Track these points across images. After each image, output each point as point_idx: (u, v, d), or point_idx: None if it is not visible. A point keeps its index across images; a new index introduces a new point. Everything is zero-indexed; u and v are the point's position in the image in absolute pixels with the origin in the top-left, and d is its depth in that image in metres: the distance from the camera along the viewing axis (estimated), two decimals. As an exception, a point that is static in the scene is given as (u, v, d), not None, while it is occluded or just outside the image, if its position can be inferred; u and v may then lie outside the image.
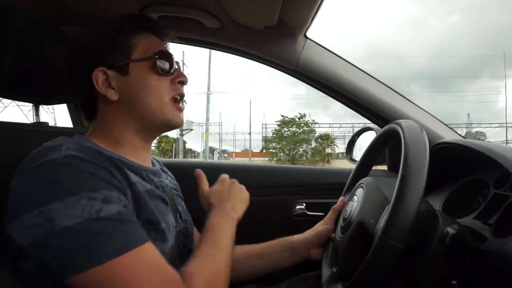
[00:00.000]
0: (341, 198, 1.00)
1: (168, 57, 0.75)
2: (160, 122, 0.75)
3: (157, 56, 0.73)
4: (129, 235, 0.57)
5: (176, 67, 0.77)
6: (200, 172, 0.86)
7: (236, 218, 0.78)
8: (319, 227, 0.98)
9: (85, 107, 0.77)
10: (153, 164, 0.82)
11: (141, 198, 0.66)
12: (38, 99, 0.94)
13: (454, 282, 0.65)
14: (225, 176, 0.88)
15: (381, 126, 1.13)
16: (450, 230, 0.64)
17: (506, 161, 0.72)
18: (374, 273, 0.60)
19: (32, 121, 0.96)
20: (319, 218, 1.01)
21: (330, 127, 34.56)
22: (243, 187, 0.87)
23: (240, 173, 1.42)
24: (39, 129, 0.89)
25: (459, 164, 0.95)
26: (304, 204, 1.30)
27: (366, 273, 0.61)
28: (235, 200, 0.81)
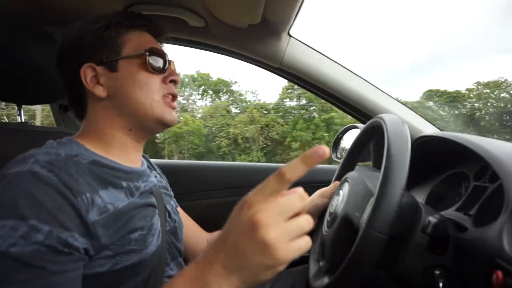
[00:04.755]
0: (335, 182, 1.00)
1: (160, 54, 0.73)
2: (151, 120, 0.72)
3: (147, 53, 0.71)
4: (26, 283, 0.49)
5: (169, 65, 0.75)
6: None
7: None
8: (316, 199, 0.97)
9: (75, 106, 0.75)
10: (142, 163, 0.80)
11: (114, 216, 0.62)
12: (20, 99, 0.93)
13: (437, 272, 0.66)
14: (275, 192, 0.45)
15: (365, 123, 1.15)
16: (432, 219, 0.66)
17: (485, 152, 0.74)
18: (360, 264, 0.61)
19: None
20: None
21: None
22: (307, 224, 0.46)
23: (225, 172, 1.43)
24: (25, 129, 0.88)
25: (441, 158, 0.97)
26: None
27: (351, 265, 0.62)
28: (256, 263, 0.44)
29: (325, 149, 0.44)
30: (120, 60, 0.71)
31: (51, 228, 0.52)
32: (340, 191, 0.86)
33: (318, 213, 0.96)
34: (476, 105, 27.58)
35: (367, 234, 0.59)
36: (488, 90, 27.77)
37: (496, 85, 27.89)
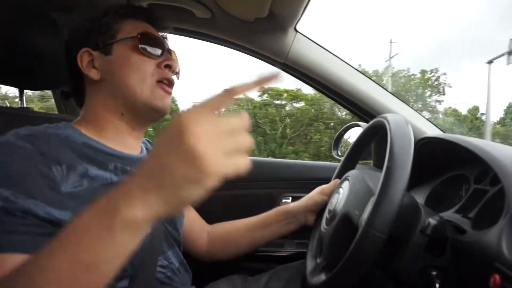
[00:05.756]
0: (335, 180, 1.00)
1: (153, 39, 0.74)
2: (141, 104, 0.72)
3: (139, 36, 0.72)
4: None
5: (165, 52, 0.76)
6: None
7: (143, 227, 0.40)
8: (316, 196, 0.98)
9: (76, 92, 0.78)
10: (141, 151, 0.80)
11: (90, 192, 0.61)
12: (23, 84, 0.92)
13: (434, 273, 0.66)
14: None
15: (368, 122, 1.14)
16: (432, 220, 0.66)
17: (487, 155, 0.73)
18: (358, 263, 0.61)
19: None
20: None
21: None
22: (246, 142, 0.40)
23: None
24: (25, 114, 0.88)
25: (442, 159, 0.97)
26: (290, 198, 1.30)
27: (349, 263, 0.62)
28: (186, 181, 0.37)
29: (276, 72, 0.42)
30: (114, 44, 0.73)
31: (11, 193, 0.52)
32: (340, 189, 0.86)
33: (317, 210, 0.97)
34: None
35: (367, 233, 0.59)
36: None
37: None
